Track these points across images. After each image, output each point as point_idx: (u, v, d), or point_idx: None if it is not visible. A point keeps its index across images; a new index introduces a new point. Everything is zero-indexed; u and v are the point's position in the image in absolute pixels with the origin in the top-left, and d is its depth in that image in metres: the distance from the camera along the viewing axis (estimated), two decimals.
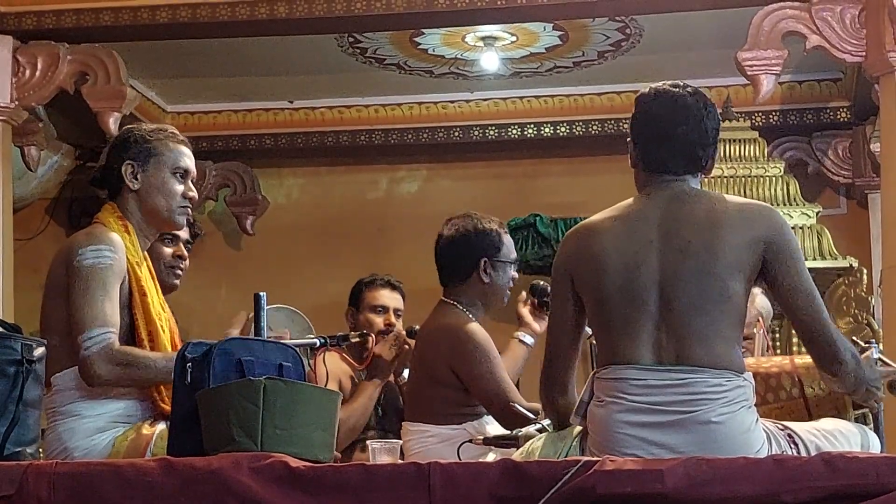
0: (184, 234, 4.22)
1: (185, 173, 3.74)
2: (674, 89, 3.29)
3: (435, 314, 4.47)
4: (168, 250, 4.19)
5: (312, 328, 3.99)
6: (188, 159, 3.76)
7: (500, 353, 4.44)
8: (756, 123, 7.21)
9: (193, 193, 3.76)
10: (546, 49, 6.97)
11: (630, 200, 3.32)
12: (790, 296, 3.18)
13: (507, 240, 4.52)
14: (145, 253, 3.72)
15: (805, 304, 3.17)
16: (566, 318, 3.33)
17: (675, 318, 3.12)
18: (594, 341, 3.54)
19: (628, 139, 3.35)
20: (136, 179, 3.69)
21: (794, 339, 6.30)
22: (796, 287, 3.17)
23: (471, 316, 4.43)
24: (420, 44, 6.87)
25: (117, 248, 3.54)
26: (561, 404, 3.36)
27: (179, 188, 3.72)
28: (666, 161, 3.26)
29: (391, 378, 4.93)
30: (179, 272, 4.23)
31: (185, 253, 4.25)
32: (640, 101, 3.33)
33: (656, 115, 3.28)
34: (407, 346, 4.77)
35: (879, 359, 3.40)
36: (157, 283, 3.74)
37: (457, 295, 4.46)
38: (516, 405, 4.14)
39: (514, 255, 4.52)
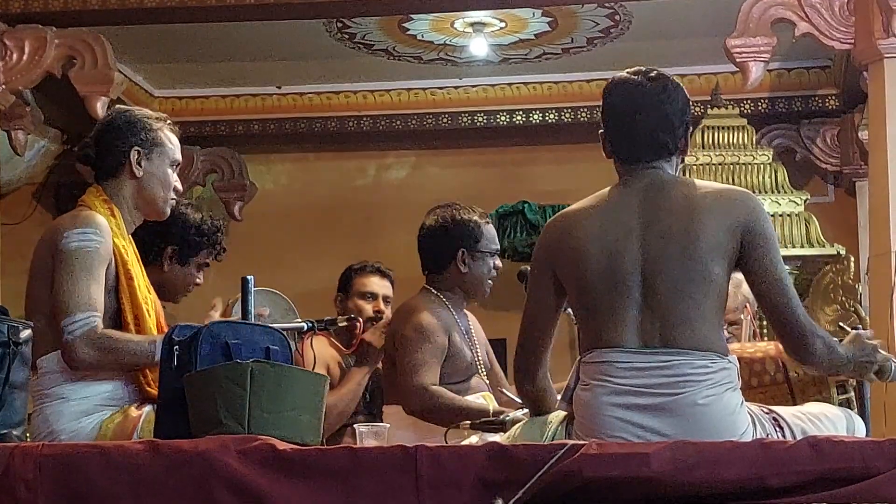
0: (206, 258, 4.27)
1: (177, 166, 3.77)
2: (632, 77, 3.30)
3: (410, 298, 4.51)
4: (198, 279, 4.24)
5: (294, 309, 3.99)
6: (179, 151, 3.79)
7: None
8: (744, 111, 7.22)
9: (179, 185, 3.79)
10: (535, 35, 6.97)
11: (608, 189, 3.33)
12: (762, 282, 3.18)
13: (488, 231, 4.53)
14: (130, 237, 3.71)
15: (775, 292, 3.17)
16: (543, 308, 3.33)
17: (659, 301, 3.13)
18: None
19: (600, 131, 3.36)
20: (140, 167, 3.68)
21: None
22: (768, 274, 3.17)
23: (446, 302, 4.46)
24: (408, 29, 6.86)
25: (103, 232, 3.53)
26: (530, 391, 3.38)
27: (174, 180, 3.73)
28: (632, 150, 3.28)
29: (378, 364, 4.93)
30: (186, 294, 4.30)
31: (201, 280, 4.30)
32: (603, 93, 3.35)
33: (615, 105, 3.30)
34: None
35: None
36: (142, 266, 3.73)
37: (436, 283, 4.52)
38: (426, 388, 4.18)
39: (494, 245, 4.53)
